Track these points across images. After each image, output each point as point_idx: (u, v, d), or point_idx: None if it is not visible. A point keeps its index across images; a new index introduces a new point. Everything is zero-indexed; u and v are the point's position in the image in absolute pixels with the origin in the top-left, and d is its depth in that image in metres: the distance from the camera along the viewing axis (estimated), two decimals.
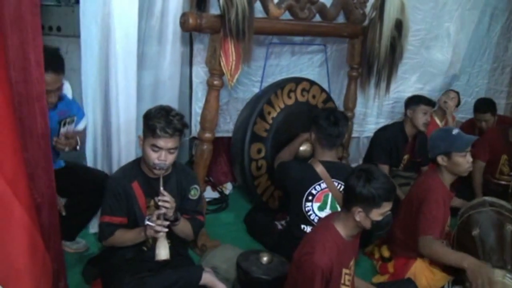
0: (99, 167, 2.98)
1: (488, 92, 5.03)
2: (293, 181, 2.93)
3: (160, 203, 2.21)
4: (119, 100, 2.85)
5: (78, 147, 2.65)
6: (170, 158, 2.29)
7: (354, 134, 4.38)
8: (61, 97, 2.54)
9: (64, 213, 2.48)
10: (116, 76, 2.80)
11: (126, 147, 2.93)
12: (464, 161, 2.74)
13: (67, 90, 2.64)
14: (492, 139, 3.93)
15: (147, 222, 2.22)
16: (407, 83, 4.47)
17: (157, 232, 2.19)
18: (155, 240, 2.32)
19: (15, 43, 1.72)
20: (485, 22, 4.75)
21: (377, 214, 2.05)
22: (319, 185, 2.86)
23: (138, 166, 2.43)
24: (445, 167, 2.78)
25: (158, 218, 2.20)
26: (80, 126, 2.75)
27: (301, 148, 3.35)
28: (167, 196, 2.22)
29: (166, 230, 2.21)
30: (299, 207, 2.88)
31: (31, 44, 1.77)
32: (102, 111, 2.91)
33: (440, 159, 2.77)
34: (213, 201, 3.82)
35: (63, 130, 2.52)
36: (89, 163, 2.98)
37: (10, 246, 1.65)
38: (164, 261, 2.21)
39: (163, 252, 2.20)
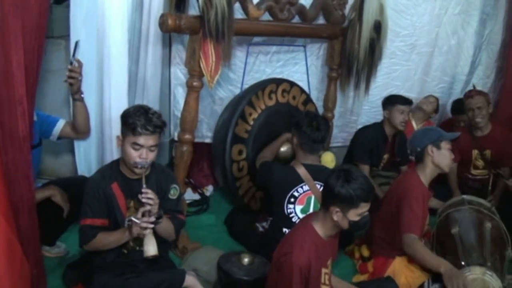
0: (92, 165, 2.97)
1: None
2: (275, 183, 2.94)
3: (144, 200, 2.21)
4: (111, 100, 2.82)
5: (83, 94, 2.60)
6: (151, 156, 2.30)
7: (345, 143, 4.35)
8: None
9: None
10: (109, 76, 2.77)
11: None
12: (448, 154, 2.84)
13: None
14: (459, 138, 3.96)
15: (132, 219, 2.21)
16: (399, 91, 4.30)
17: (144, 229, 2.19)
18: (136, 240, 2.33)
19: None
20: (474, 27, 4.67)
21: (354, 215, 2.07)
22: (302, 187, 2.88)
23: (117, 167, 2.42)
24: (432, 159, 2.83)
25: (143, 215, 2.20)
26: (59, 126, 2.72)
27: (282, 149, 3.36)
28: (150, 193, 2.23)
29: (152, 226, 2.21)
30: (281, 209, 2.89)
31: (13, 46, 1.75)
32: (96, 110, 2.88)
33: (429, 150, 2.82)
34: (194, 203, 3.79)
35: (77, 54, 2.41)
36: (79, 159, 2.98)
37: None
38: (154, 256, 2.20)
39: (151, 248, 2.20)
